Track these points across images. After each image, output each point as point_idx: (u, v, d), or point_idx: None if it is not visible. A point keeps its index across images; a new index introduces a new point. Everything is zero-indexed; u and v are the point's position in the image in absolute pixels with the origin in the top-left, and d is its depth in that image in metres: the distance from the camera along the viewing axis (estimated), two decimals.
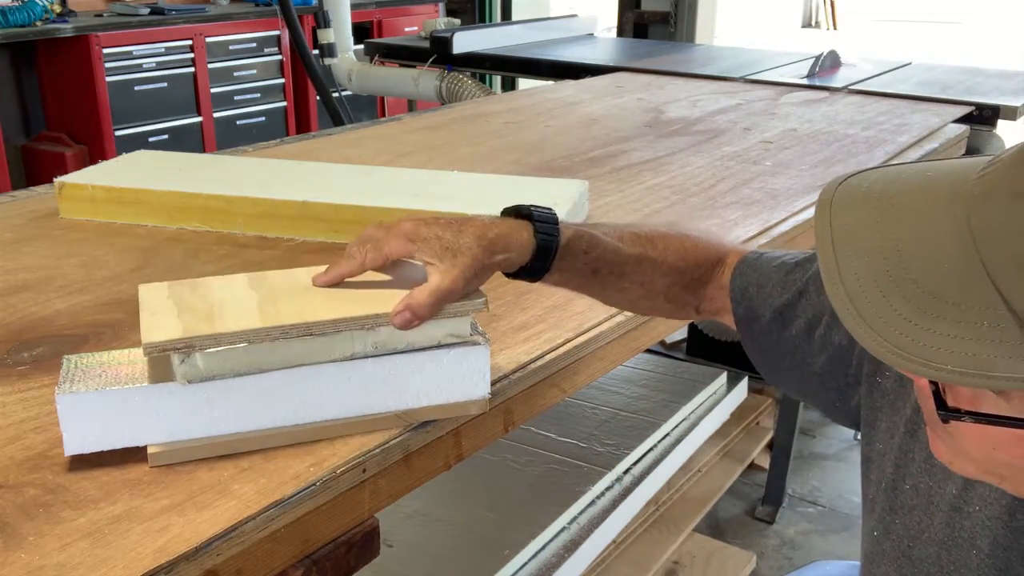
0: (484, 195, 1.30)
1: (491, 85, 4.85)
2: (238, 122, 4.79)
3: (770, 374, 0.95)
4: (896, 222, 0.56)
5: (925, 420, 0.66)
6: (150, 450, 0.74)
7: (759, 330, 0.91)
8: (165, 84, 4.44)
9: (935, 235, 0.54)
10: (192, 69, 4.53)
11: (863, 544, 0.84)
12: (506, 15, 5.83)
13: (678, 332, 2.63)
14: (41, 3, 4.06)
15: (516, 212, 0.87)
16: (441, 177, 1.43)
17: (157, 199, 1.32)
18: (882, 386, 0.82)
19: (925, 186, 0.58)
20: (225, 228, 1.31)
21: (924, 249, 0.55)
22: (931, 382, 0.57)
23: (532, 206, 0.86)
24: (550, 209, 0.87)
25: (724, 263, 0.95)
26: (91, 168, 1.45)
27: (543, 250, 0.84)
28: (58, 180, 1.36)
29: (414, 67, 3.32)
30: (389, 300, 0.78)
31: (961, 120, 2.22)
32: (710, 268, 0.94)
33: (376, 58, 3.51)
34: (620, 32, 4.40)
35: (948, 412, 0.57)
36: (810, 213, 1.43)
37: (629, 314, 1.07)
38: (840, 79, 2.67)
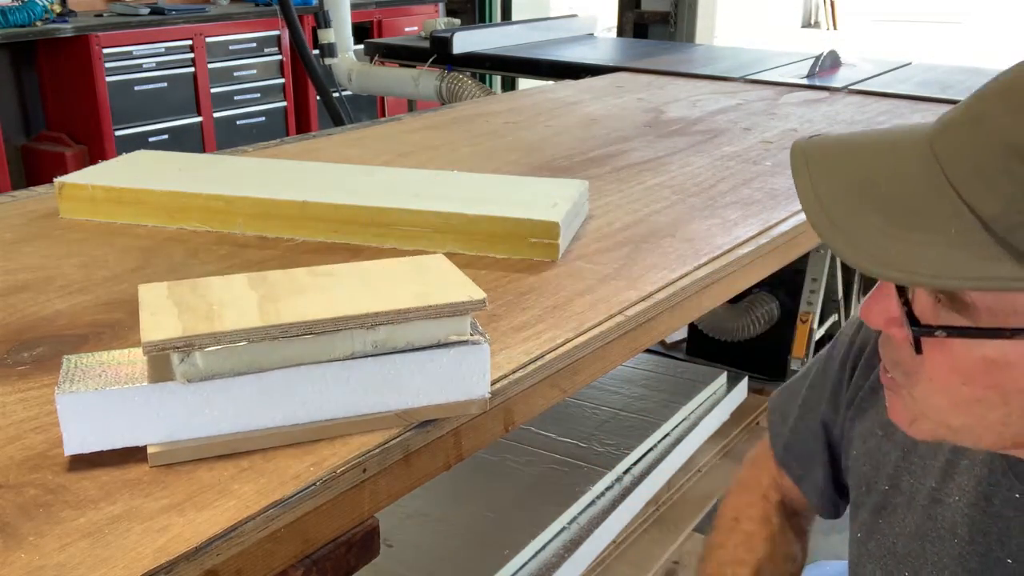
0: (484, 195, 1.30)
1: (491, 85, 4.85)
2: (238, 122, 4.79)
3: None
4: (863, 154, 0.61)
5: (884, 382, 0.68)
6: (150, 450, 0.74)
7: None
8: (165, 84, 4.45)
9: (900, 161, 0.58)
10: (192, 69, 4.53)
11: (849, 550, 0.86)
12: (506, 15, 5.83)
13: (678, 332, 2.63)
14: (41, 3, 4.06)
15: None
16: (441, 177, 1.43)
17: (157, 199, 1.32)
18: (858, 398, 0.86)
19: (886, 133, 0.62)
20: (225, 228, 1.31)
21: (891, 170, 0.58)
22: (904, 303, 0.60)
23: None
24: None
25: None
26: (91, 168, 1.45)
27: None
28: (58, 180, 1.36)
29: (414, 67, 3.32)
30: (389, 299, 0.78)
31: None
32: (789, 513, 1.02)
33: (376, 58, 3.51)
34: (620, 32, 4.40)
35: (922, 328, 0.59)
36: None
37: (629, 314, 1.07)
38: (840, 79, 2.67)
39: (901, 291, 0.61)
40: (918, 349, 0.61)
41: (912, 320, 0.60)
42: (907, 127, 0.63)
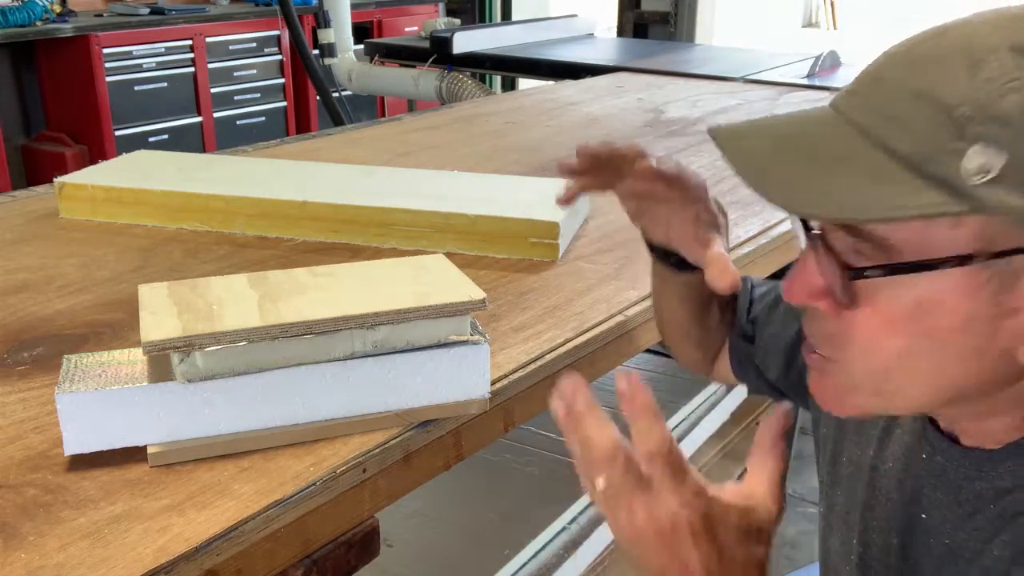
0: (484, 195, 1.30)
1: (491, 85, 4.85)
2: (238, 122, 4.79)
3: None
4: (777, 123, 0.66)
5: (810, 362, 0.68)
6: (150, 450, 0.74)
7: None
8: (165, 84, 4.44)
9: (811, 123, 0.63)
10: (192, 69, 4.53)
11: (819, 524, 0.89)
12: (506, 15, 5.83)
13: None
14: (41, 3, 4.06)
15: None
16: (441, 177, 1.43)
17: (157, 199, 1.32)
18: None
19: (791, 113, 0.67)
20: (225, 228, 1.31)
21: (804, 130, 0.64)
22: (828, 252, 0.62)
23: None
24: None
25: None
26: (91, 168, 1.45)
27: None
28: (58, 180, 1.36)
29: (414, 67, 3.32)
30: (389, 299, 0.78)
31: None
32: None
33: (376, 58, 3.51)
34: (620, 32, 4.40)
35: (854, 271, 0.60)
36: None
37: (629, 314, 1.07)
38: (840, 79, 2.67)
39: (823, 241, 0.62)
40: (851, 300, 0.61)
41: (846, 266, 0.61)
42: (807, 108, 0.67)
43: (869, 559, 0.78)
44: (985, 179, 0.54)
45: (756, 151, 0.64)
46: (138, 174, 1.39)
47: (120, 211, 1.34)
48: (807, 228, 0.64)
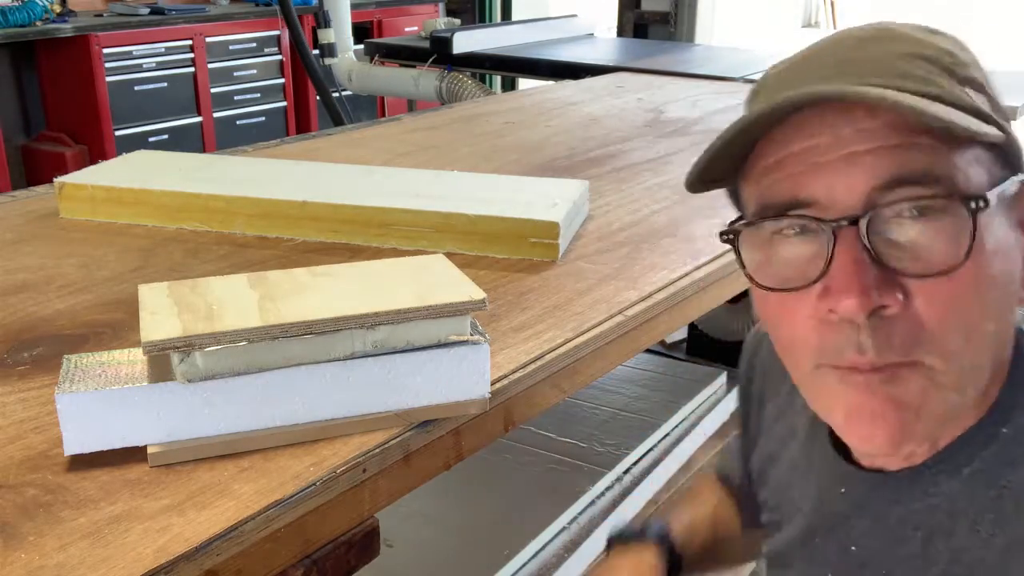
0: (484, 195, 1.30)
1: (491, 85, 4.85)
2: (238, 122, 4.79)
3: None
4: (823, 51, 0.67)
5: (874, 392, 0.61)
6: (150, 450, 0.74)
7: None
8: (165, 84, 4.45)
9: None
10: (192, 69, 4.53)
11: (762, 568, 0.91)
12: (506, 15, 5.83)
13: (678, 332, 2.63)
14: (41, 3, 4.06)
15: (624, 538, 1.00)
16: (441, 177, 1.43)
17: (157, 199, 1.32)
18: (751, 431, 0.91)
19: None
20: (225, 228, 1.31)
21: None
22: (974, 199, 0.58)
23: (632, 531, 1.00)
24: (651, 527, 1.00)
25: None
26: (91, 168, 1.45)
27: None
28: (58, 180, 1.36)
29: (414, 67, 3.32)
30: (389, 299, 0.78)
31: None
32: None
33: (376, 58, 3.51)
34: (620, 32, 4.40)
35: (980, 201, 0.57)
36: None
37: (629, 314, 1.07)
38: None
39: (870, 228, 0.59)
40: (972, 241, 0.57)
41: (963, 196, 0.57)
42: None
43: None
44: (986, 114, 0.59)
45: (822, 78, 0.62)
46: (138, 174, 1.39)
47: (120, 211, 1.34)
48: (831, 225, 0.59)
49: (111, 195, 1.34)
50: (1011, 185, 0.60)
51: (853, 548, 0.72)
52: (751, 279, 0.65)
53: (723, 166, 0.65)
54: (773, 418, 0.86)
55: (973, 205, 0.57)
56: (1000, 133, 0.59)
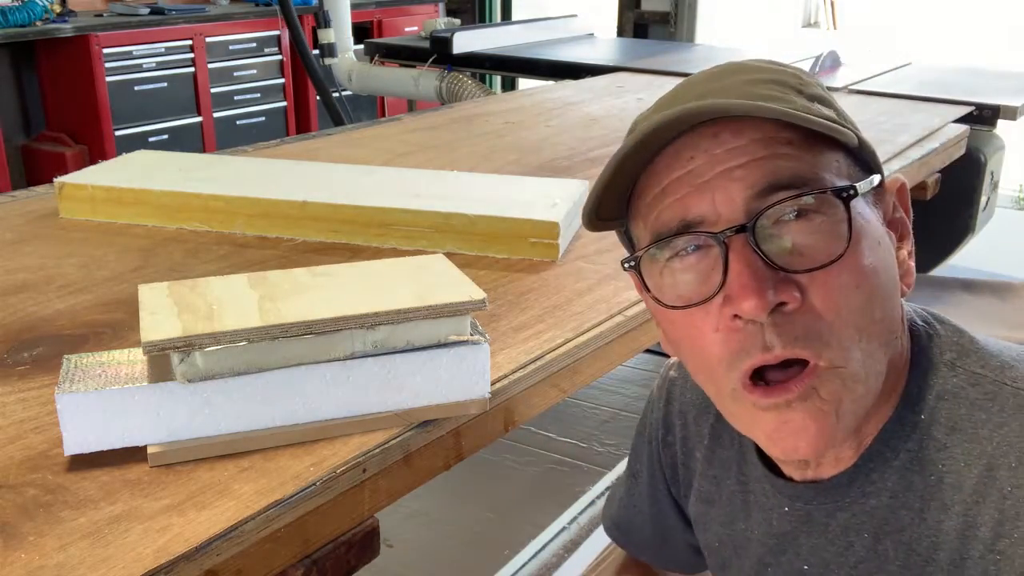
0: (484, 195, 1.30)
1: (491, 85, 4.85)
2: (238, 122, 4.79)
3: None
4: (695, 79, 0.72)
5: (784, 392, 0.63)
6: (150, 450, 0.74)
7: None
8: (165, 84, 4.44)
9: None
10: (192, 69, 4.53)
11: None
12: (506, 15, 5.83)
13: None
14: (41, 3, 4.06)
15: None
16: (441, 177, 1.43)
17: (157, 199, 1.32)
18: (678, 475, 0.90)
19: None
20: (225, 228, 1.31)
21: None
22: (844, 191, 0.63)
23: None
24: None
25: None
26: (91, 168, 1.45)
27: None
28: (58, 180, 1.36)
29: (414, 67, 3.32)
30: (389, 299, 0.78)
31: (961, 120, 2.22)
32: None
33: (376, 58, 3.51)
34: (620, 32, 4.40)
35: (845, 191, 0.63)
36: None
37: (629, 314, 1.07)
38: (840, 79, 2.67)
39: (754, 231, 0.62)
40: (850, 230, 0.62)
41: (833, 190, 0.62)
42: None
43: None
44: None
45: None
46: (138, 174, 1.39)
47: (120, 211, 1.34)
48: (719, 237, 0.62)
49: (111, 195, 1.34)
50: (868, 185, 0.66)
51: (805, 567, 0.73)
52: (657, 301, 0.68)
53: (612, 204, 0.70)
54: (704, 460, 0.85)
55: (844, 195, 0.62)
56: (855, 136, 0.65)
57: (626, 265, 0.70)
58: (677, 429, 0.89)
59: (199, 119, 4.59)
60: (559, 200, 1.28)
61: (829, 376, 0.62)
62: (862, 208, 0.64)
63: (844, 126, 0.64)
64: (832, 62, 2.84)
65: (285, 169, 1.47)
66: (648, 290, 0.68)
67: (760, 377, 0.64)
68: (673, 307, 0.66)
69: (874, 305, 0.63)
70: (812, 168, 0.63)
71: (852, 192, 0.63)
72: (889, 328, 0.65)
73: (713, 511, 0.84)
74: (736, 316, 0.62)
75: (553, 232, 1.20)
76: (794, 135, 0.63)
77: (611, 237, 1.30)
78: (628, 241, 0.74)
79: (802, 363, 0.62)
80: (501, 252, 1.22)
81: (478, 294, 0.80)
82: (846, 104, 0.77)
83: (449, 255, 0.97)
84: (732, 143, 0.63)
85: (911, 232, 0.70)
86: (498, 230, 1.22)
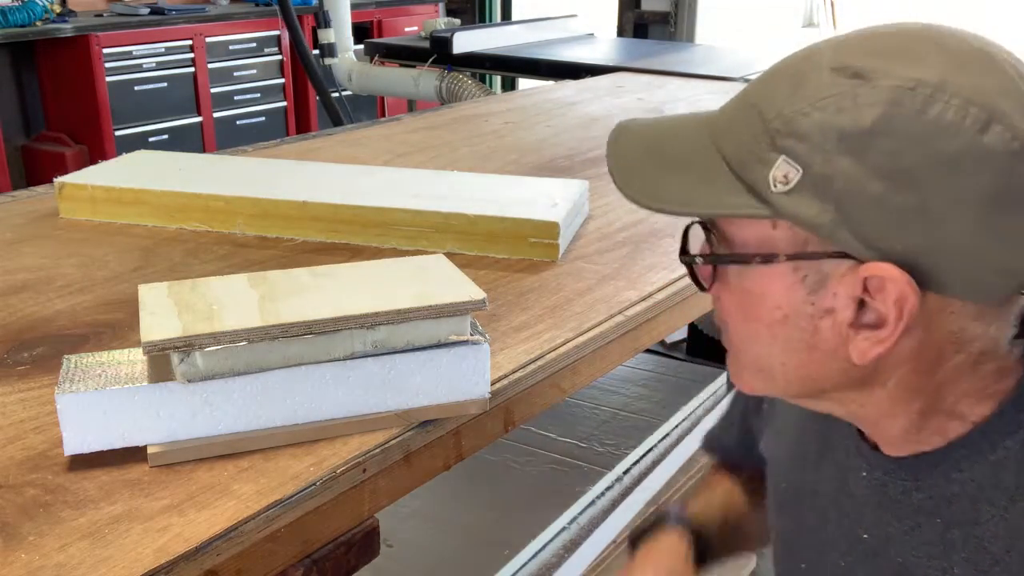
0: (484, 195, 1.30)
1: (491, 85, 4.85)
2: (238, 122, 4.79)
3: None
4: (661, 124, 0.72)
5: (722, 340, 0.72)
6: (150, 450, 0.74)
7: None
8: (165, 84, 4.44)
9: (687, 127, 0.69)
10: (192, 69, 4.53)
11: (771, 551, 0.90)
12: (506, 15, 5.83)
13: (678, 332, 2.63)
14: (41, 3, 4.06)
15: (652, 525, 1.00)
16: (441, 177, 1.43)
17: (157, 199, 1.32)
18: (763, 408, 0.91)
19: (685, 116, 0.73)
20: (225, 228, 1.31)
21: (676, 134, 0.70)
22: (683, 254, 0.68)
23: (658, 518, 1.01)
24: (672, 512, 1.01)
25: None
26: (91, 168, 1.45)
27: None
28: (58, 180, 1.36)
29: (414, 67, 3.32)
30: (389, 299, 0.78)
31: None
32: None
33: (376, 58, 3.51)
34: (620, 32, 4.40)
35: (685, 256, 0.67)
36: None
37: (629, 314, 1.07)
38: None
39: (684, 236, 0.69)
40: (699, 283, 0.68)
41: (683, 251, 0.68)
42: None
43: None
44: (785, 189, 0.59)
45: (631, 148, 0.70)
46: (138, 174, 1.39)
47: (120, 211, 1.34)
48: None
49: (111, 195, 1.34)
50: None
51: (865, 536, 0.73)
52: None
53: None
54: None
55: (683, 259, 0.68)
56: (765, 212, 0.61)
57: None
58: None
59: (199, 119, 4.59)
60: (559, 200, 1.28)
61: (730, 350, 0.71)
62: (763, 275, 0.64)
63: (767, 198, 0.60)
64: None
65: (285, 169, 1.46)
66: None
67: None
68: None
69: (764, 349, 0.68)
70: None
71: (693, 261, 0.67)
72: (811, 377, 0.67)
73: (784, 452, 0.84)
74: None
75: (553, 232, 1.20)
76: None
77: (612, 237, 1.31)
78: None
79: None
80: (501, 252, 1.22)
81: (478, 294, 0.80)
82: None
83: (449, 255, 0.97)
84: None
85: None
86: (498, 230, 1.22)
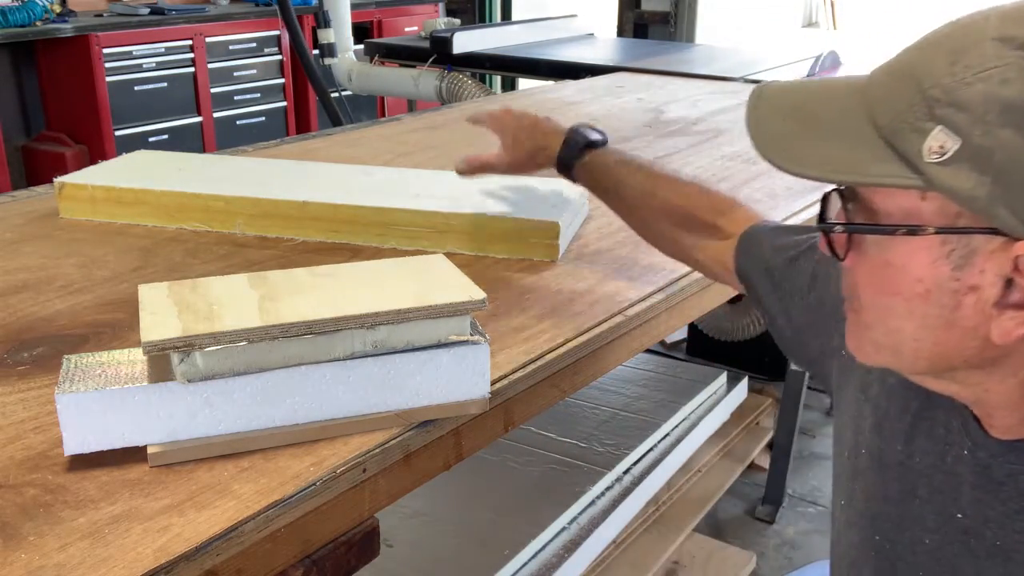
0: (484, 195, 1.30)
1: (491, 85, 4.85)
2: (238, 122, 4.78)
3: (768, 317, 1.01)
4: (808, 89, 0.71)
5: (846, 312, 0.71)
6: (150, 450, 0.74)
7: (761, 284, 1.00)
8: (165, 84, 4.44)
9: (833, 93, 0.68)
10: (192, 69, 4.53)
11: (833, 520, 0.88)
12: (506, 15, 5.83)
13: (678, 332, 2.63)
14: (41, 3, 4.06)
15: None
16: (441, 177, 1.43)
17: (157, 199, 1.32)
18: (845, 358, 0.87)
19: (832, 80, 0.72)
20: (225, 228, 1.31)
21: (823, 100, 0.68)
22: (821, 221, 0.67)
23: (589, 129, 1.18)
24: (595, 136, 1.17)
25: (729, 218, 1.04)
26: (91, 168, 1.45)
27: (562, 161, 1.15)
28: (58, 180, 1.36)
29: (414, 67, 3.32)
30: (389, 299, 0.78)
31: None
32: (712, 218, 1.05)
33: (376, 58, 3.51)
34: (620, 32, 4.40)
35: (825, 224, 0.66)
36: (811, 212, 1.43)
37: (629, 314, 1.07)
38: None
39: (823, 203, 0.68)
40: (835, 252, 0.67)
41: (822, 217, 0.67)
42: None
43: (893, 557, 0.77)
44: (939, 160, 0.58)
45: (772, 111, 0.69)
46: (138, 174, 1.39)
47: (120, 211, 1.34)
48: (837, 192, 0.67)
49: (111, 195, 1.34)
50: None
51: (959, 516, 0.72)
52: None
53: None
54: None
55: (823, 228, 0.67)
56: (916, 182, 0.60)
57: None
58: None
59: (199, 119, 4.59)
60: (559, 200, 1.28)
61: (857, 320, 0.69)
62: (906, 246, 0.63)
63: (920, 169, 0.59)
64: (832, 62, 2.85)
65: (285, 169, 1.46)
66: None
67: None
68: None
69: (897, 323, 0.66)
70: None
71: (832, 229, 0.66)
72: (943, 355, 0.66)
73: (868, 415, 0.82)
74: None
75: (553, 232, 1.20)
76: None
77: (612, 237, 1.31)
78: None
79: None
80: (501, 252, 1.22)
81: (478, 294, 0.80)
82: None
83: (449, 255, 0.97)
84: None
85: None
86: (498, 230, 1.22)
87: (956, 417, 0.73)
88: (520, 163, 1.18)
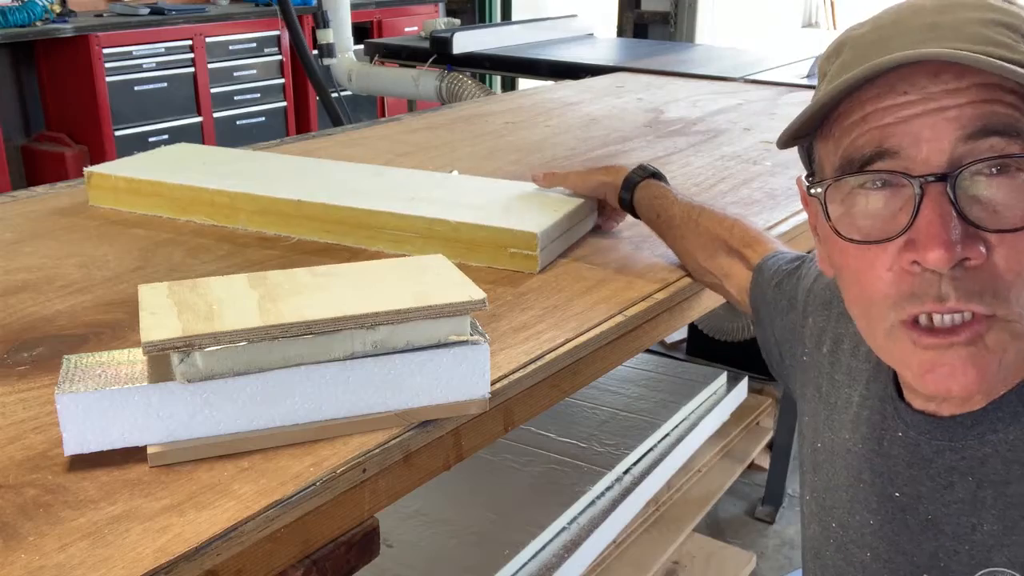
0: (476, 201, 1.29)
1: (491, 85, 4.85)
2: (238, 122, 4.79)
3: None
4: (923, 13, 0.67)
5: (955, 338, 0.64)
6: (150, 450, 0.74)
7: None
8: (165, 84, 4.44)
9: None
10: (192, 69, 4.53)
11: (802, 517, 0.90)
12: (506, 15, 5.83)
13: (678, 332, 2.63)
14: (41, 3, 4.06)
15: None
16: (446, 180, 1.43)
17: (170, 192, 1.36)
18: (805, 362, 0.90)
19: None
20: (229, 223, 1.33)
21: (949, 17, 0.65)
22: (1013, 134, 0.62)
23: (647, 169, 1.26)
24: (659, 171, 1.27)
25: (754, 249, 1.08)
26: (123, 160, 1.51)
27: (628, 181, 1.24)
28: (87, 170, 1.43)
29: (414, 67, 3.32)
30: (389, 299, 0.78)
31: None
32: (741, 248, 1.09)
33: (376, 58, 3.51)
34: (620, 32, 4.40)
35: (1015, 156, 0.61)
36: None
37: (629, 314, 1.07)
38: None
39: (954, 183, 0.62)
40: (1016, 224, 0.61)
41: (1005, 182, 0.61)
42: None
43: (847, 541, 0.79)
44: None
45: (910, 40, 0.64)
46: (163, 167, 1.43)
47: (139, 201, 1.39)
48: (919, 181, 0.62)
49: (131, 186, 1.39)
50: None
51: (897, 494, 0.73)
52: (836, 232, 0.68)
53: (809, 124, 0.70)
54: (829, 362, 0.86)
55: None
56: None
57: (812, 190, 0.70)
58: (801, 296, 0.93)
59: (199, 119, 4.59)
60: (559, 201, 1.28)
61: (999, 327, 0.63)
62: None
63: None
64: None
65: (301, 167, 1.47)
66: (829, 218, 0.68)
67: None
68: (852, 241, 0.66)
69: None
70: None
71: None
72: None
73: (824, 411, 0.84)
74: (915, 262, 0.63)
75: (531, 243, 1.15)
76: (1020, 87, 0.61)
77: (612, 237, 1.31)
78: (808, 159, 0.74)
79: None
80: (482, 261, 1.18)
81: (478, 294, 0.80)
82: None
83: None
84: (952, 84, 0.62)
85: None
86: (478, 238, 1.18)
87: (888, 402, 0.76)
88: (588, 186, 1.30)
